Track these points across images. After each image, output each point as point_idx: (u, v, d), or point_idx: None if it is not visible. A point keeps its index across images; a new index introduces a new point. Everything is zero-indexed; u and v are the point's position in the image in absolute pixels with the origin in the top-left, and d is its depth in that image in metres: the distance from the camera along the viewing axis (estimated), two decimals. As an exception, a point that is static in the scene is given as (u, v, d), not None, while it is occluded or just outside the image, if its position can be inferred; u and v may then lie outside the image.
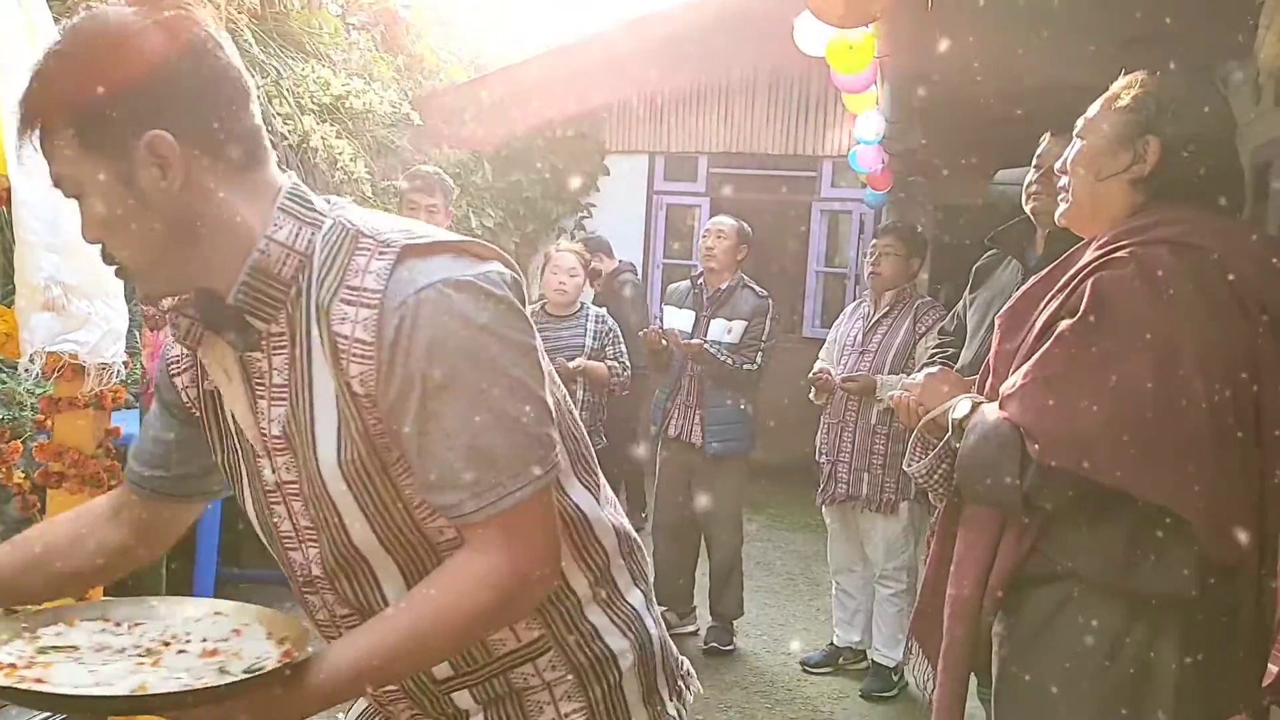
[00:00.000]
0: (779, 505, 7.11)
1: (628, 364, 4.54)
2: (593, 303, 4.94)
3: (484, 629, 1.16)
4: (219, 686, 1.02)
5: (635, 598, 1.30)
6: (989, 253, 3.20)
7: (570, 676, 1.24)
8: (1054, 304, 1.72)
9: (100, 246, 1.13)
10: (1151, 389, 1.55)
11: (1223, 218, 1.74)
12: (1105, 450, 1.56)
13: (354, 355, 1.08)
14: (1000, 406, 1.68)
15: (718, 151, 8.48)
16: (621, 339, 4.59)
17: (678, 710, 1.34)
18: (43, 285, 1.52)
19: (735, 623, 4.64)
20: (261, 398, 1.17)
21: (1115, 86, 1.82)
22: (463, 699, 1.25)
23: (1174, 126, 1.72)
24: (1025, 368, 1.67)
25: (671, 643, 1.40)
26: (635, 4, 11.02)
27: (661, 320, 4.68)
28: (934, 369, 1.94)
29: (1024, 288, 1.87)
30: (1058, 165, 1.89)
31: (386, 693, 1.27)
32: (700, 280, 4.62)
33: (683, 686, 1.38)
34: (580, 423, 1.30)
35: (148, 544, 1.40)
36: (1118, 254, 1.67)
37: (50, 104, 1.09)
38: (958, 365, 3.01)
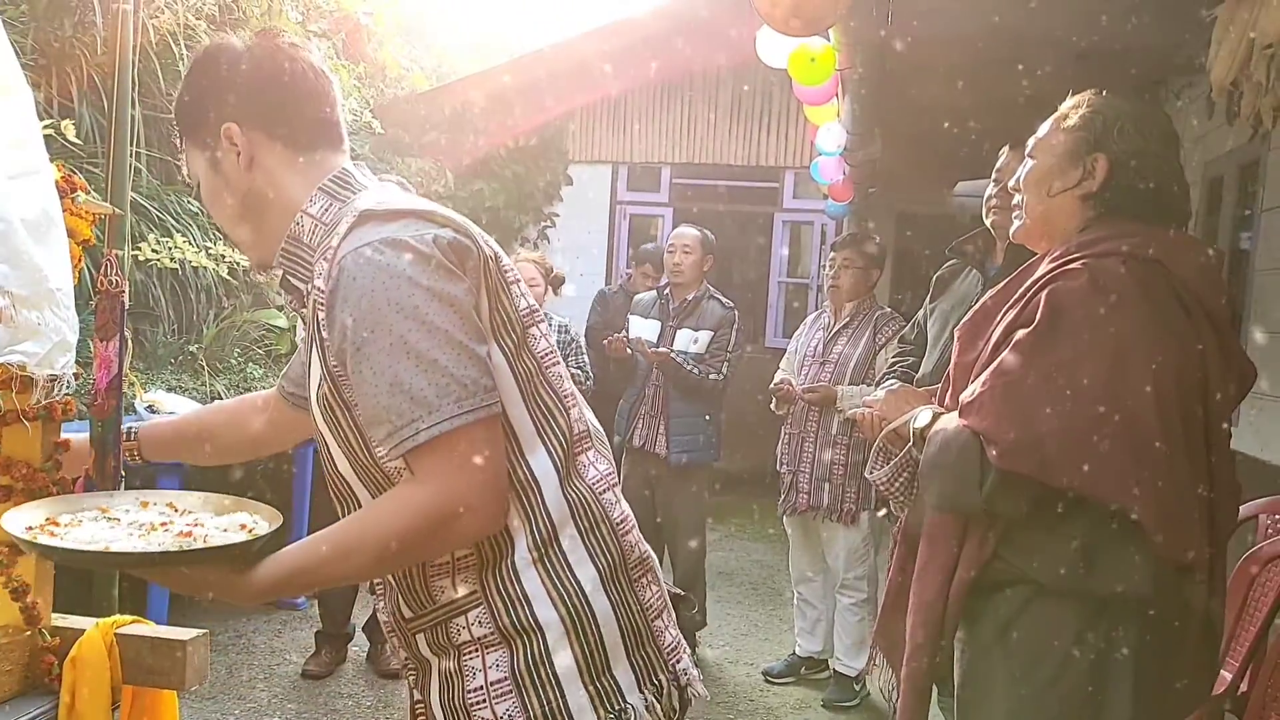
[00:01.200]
0: (742, 515, 7.12)
1: (590, 373, 4.54)
2: None
3: (401, 552, 1.23)
4: (162, 552, 1.19)
5: (586, 574, 1.32)
6: (949, 263, 3.23)
7: (497, 639, 1.29)
8: (1010, 315, 1.77)
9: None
10: (1104, 395, 1.60)
11: (1170, 230, 1.79)
12: (1061, 455, 1.60)
13: (318, 304, 1.27)
14: (960, 415, 1.72)
15: (681, 162, 8.50)
16: (584, 348, 4.59)
17: (651, 701, 1.35)
18: (-10, 296, 1.48)
19: (697, 634, 4.64)
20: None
21: (1064, 106, 1.88)
22: (423, 645, 1.36)
23: (1120, 143, 1.78)
24: (983, 376, 1.71)
25: (667, 635, 1.41)
26: (598, 13, 11.05)
27: (627, 330, 4.68)
28: (894, 386, 1.96)
29: (981, 301, 1.91)
30: (1011, 183, 1.94)
31: (386, 624, 1.43)
32: (666, 291, 4.63)
33: (664, 680, 1.38)
34: (574, 401, 1.40)
35: (279, 439, 1.78)
36: (1071, 266, 1.72)
37: (176, 117, 1.44)
38: (919, 374, 3.04)
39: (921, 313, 3.36)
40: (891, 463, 1.85)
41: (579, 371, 4.47)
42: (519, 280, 1.37)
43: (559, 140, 8.62)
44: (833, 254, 4.33)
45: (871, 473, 1.92)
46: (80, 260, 1.70)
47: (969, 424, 1.68)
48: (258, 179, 1.37)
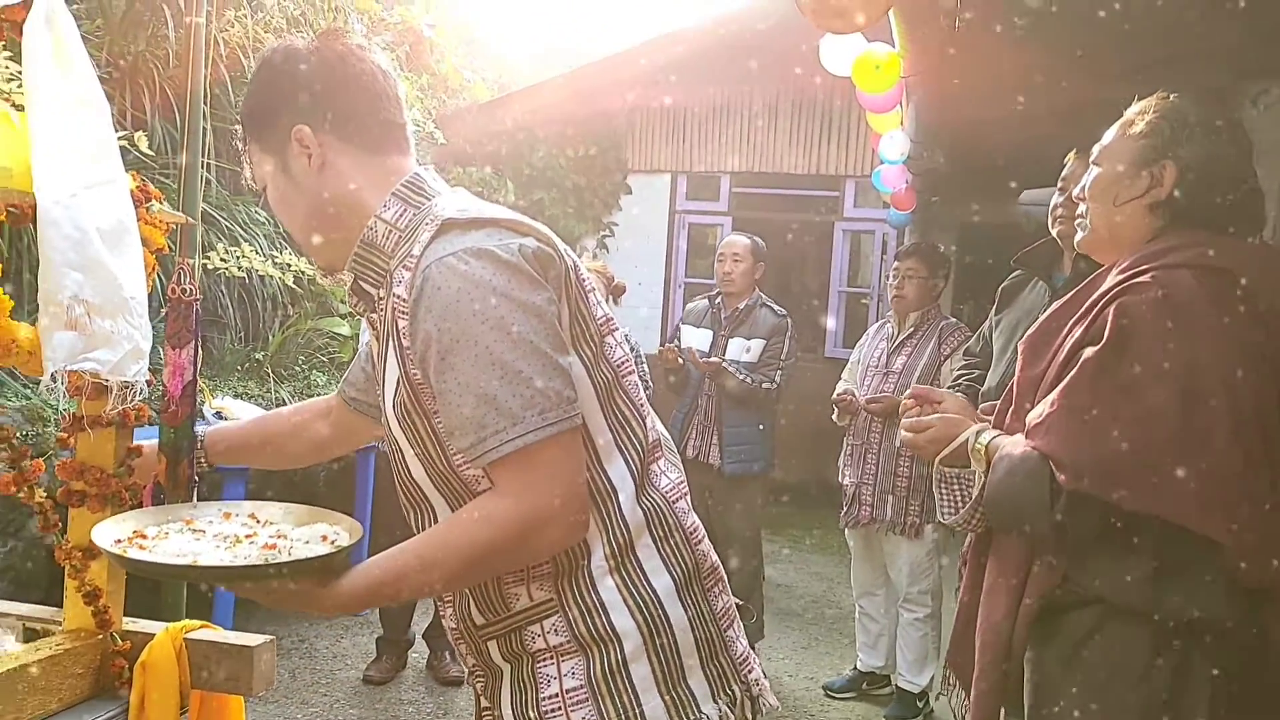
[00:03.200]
0: (800, 526, 7.05)
1: (649, 382, 4.52)
2: None
3: (484, 563, 1.24)
4: (249, 565, 1.20)
5: (661, 583, 1.32)
6: (1015, 274, 3.17)
7: (573, 646, 1.29)
8: (1077, 331, 1.71)
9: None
10: (1178, 414, 1.55)
11: (1243, 240, 1.73)
12: (1134, 476, 1.55)
13: (399, 312, 1.27)
14: (1027, 436, 1.67)
15: (740, 171, 8.47)
16: (644, 359, 4.58)
17: (725, 711, 1.35)
18: (66, 304, 1.51)
19: (756, 646, 4.60)
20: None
21: (1129, 112, 1.82)
22: (494, 652, 1.36)
23: (1189, 150, 1.72)
24: (1051, 397, 1.66)
25: (738, 645, 1.41)
26: (658, 23, 11.07)
27: (679, 339, 4.66)
28: (948, 411, 1.91)
29: (1046, 314, 1.86)
30: (1075, 192, 1.88)
31: (453, 631, 1.43)
32: (718, 299, 4.61)
33: (737, 690, 1.38)
34: (647, 410, 1.40)
35: (342, 444, 1.80)
36: (1139, 279, 1.66)
37: (243, 120, 1.44)
38: (984, 387, 2.98)
39: (987, 324, 3.29)
40: (966, 507, 1.80)
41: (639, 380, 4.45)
42: (595, 289, 1.37)
43: (618, 149, 8.64)
44: (896, 263, 4.28)
45: (945, 517, 1.88)
46: (154, 268, 1.73)
47: (1037, 445, 1.63)
48: (329, 182, 1.36)
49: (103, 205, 1.54)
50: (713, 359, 4.38)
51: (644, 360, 4.58)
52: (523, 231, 1.28)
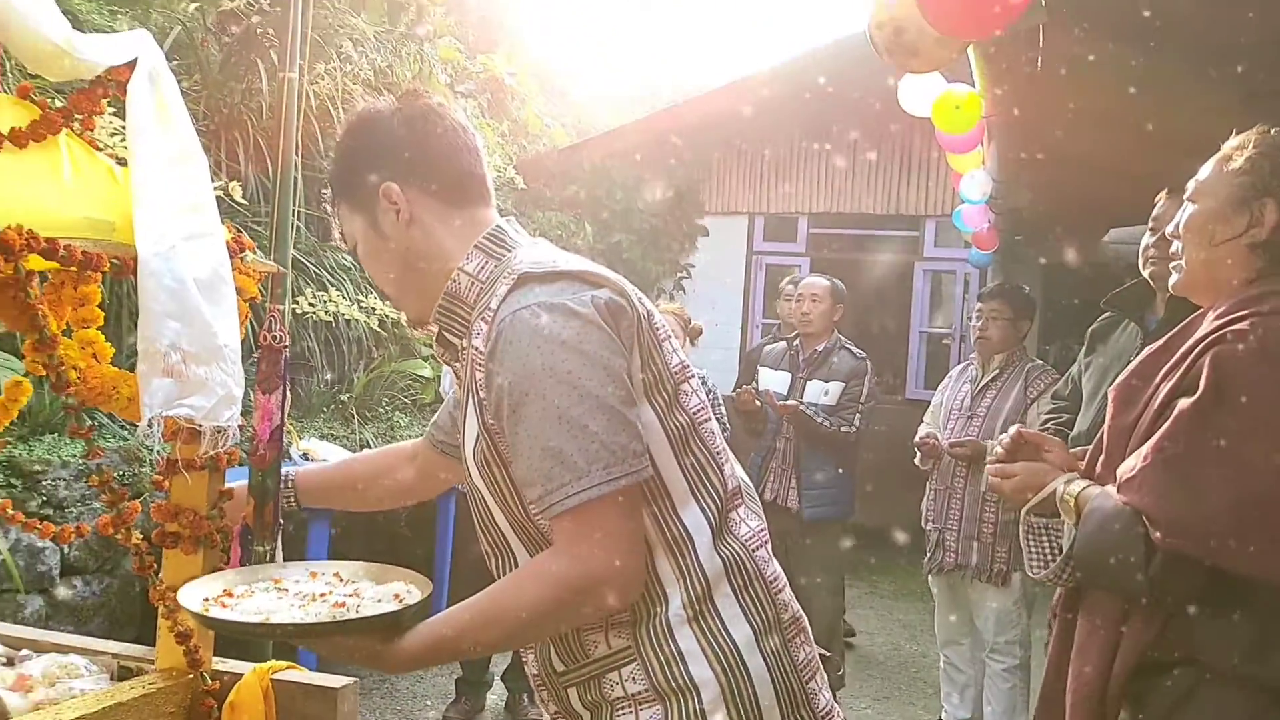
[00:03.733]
0: (880, 572, 6.92)
1: (728, 426, 4.50)
2: None
3: (542, 622, 1.26)
4: (314, 623, 1.24)
5: (740, 632, 1.31)
6: (1105, 315, 3.08)
7: (652, 695, 1.28)
8: (1172, 379, 1.65)
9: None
10: (1278, 470, 1.47)
11: None
12: (1233, 535, 1.48)
13: (475, 364, 1.30)
14: (1119, 490, 1.61)
15: (818, 212, 8.43)
16: (721, 401, 4.56)
17: None
18: (164, 352, 1.56)
19: (836, 695, 4.49)
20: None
21: (1226, 146, 1.75)
22: (574, 698, 1.36)
23: None
24: (1144, 450, 1.60)
25: (821, 697, 1.39)
26: (733, 67, 11.13)
27: (756, 381, 4.63)
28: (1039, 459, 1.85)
29: (1139, 359, 1.79)
30: (1169, 230, 1.81)
31: (535, 676, 1.43)
32: (796, 341, 4.57)
33: None
34: (726, 458, 1.40)
35: (426, 488, 1.82)
36: (1237, 325, 1.59)
37: (332, 181, 1.49)
38: (1074, 432, 2.89)
39: (1076, 367, 3.21)
40: (1056, 562, 1.74)
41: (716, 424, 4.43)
42: (670, 336, 1.38)
43: (695, 192, 8.68)
44: (980, 305, 4.20)
45: (1035, 572, 1.82)
46: (246, 315, 1.79)
47: (1129, 500, 1.57)
48: (417, 237, 1.40)
49: (200, 256, 1.59)
50: (790, 402, 4.34)
51: (721, 403, 4.56)
52: (596, 283, 1.29)
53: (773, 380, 4.52)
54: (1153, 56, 3.55)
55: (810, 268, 8.12)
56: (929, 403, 4.43)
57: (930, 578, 4.19)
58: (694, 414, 1.36)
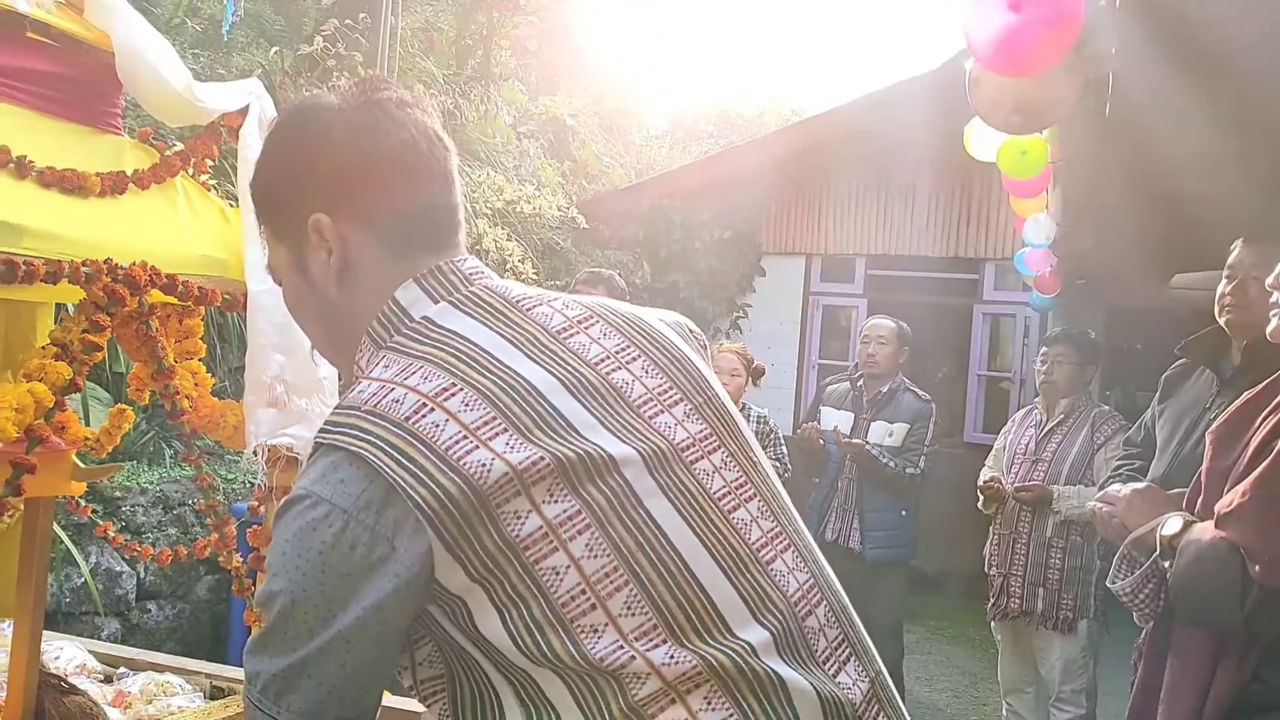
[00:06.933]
0: (939, 617, 6.83)
1: (789, 465, 4.50)
2: None
3: None
4: None
5: None
6: (1178, 362, 3.05)
7: None
8: (1272, 420, 1.65)
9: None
10: None
11: None
12: None
13: None
14: (1217, 526, 1.61)
15: (876, 254, 8.44)
16: (782, 440, 4.57)
17: None
18: (269, 383, 1.63)
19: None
20: None
21: None
22: None
23: None
24: (1242, 486, 1.60)
25: None
26: (792, 108, 11.21)
27: (819, 420, 4.63)
28: (1140, 486, 1.85)
29: (1237, 403, 1.79)
30: (1269, 281, 1.81)
31: None
32: (860, 382, 4.58)
33: None
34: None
35: None
36: None
37: (253, 195, 1.11)
38: (1147, 479, 2.87)
39: (1149, 414, 3.17)
40: (1137, 573, 1.74)
41: (777, 463, 4.44)
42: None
43: (753, 232, 8.72)
44: (1045, 349, 4.19)
45: (1114, 582, 1.82)
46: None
47: (1228, 536, 1.57)
48: (345, 290, 1.05)
49: (306, 292, 1.66)
50: (856, 441, 4.34)
51: (781, 442, 4.57)
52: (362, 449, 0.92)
53: (836, 420, 4.52)
54: (1225, 101, 3.54)
55: (867, 309, 8.11)
56: (987, 447, 4.40)
57: (994, 624, 4.14)
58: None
